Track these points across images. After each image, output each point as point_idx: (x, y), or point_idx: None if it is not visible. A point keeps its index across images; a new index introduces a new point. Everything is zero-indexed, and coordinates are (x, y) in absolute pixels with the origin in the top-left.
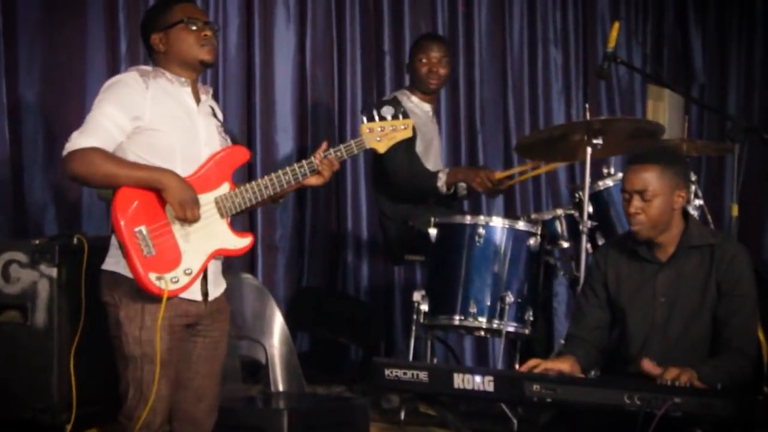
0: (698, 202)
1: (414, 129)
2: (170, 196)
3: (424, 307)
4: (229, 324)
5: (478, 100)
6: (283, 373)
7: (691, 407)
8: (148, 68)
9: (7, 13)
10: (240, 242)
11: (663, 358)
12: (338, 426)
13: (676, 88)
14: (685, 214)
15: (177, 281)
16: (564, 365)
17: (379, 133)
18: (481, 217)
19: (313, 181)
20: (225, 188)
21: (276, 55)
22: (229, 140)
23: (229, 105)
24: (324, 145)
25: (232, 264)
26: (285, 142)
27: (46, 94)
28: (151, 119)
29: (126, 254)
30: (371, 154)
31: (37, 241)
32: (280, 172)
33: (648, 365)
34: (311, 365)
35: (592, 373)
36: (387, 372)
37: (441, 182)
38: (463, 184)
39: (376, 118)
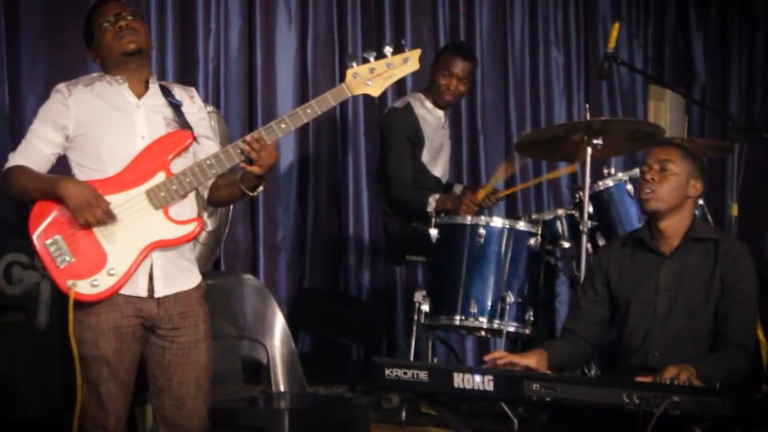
0: (699, 201)
1: (423, 137)
2: (68, 203)
3: (425, 308)
4: (229, 324)
5: (480, 100)
6: (285, 373)
7: (689, 406)
8: (93, 75)
9: (10, 17)
10: (181, 230)
11: (664, 351)
12: (339, 426)
13: (677, 88)
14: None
15: (97, 284)
16: (530, 360)
17: (370, 76)
18: (482, 218)
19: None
20: (160, 177)
21: (277, 56)
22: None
23: (230, 106)
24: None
25: (233, 265)
26: (286, 142)
27: (48, 96)
28: (76, 126)
29: (43, 267)
30: (376, 153)
31: None
32: (229, 146)
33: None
34: (312, 366)
35: (593, 371)
36: (387, 372)
37: (431, 208)
38: (431, 201)
39: (371, 58)
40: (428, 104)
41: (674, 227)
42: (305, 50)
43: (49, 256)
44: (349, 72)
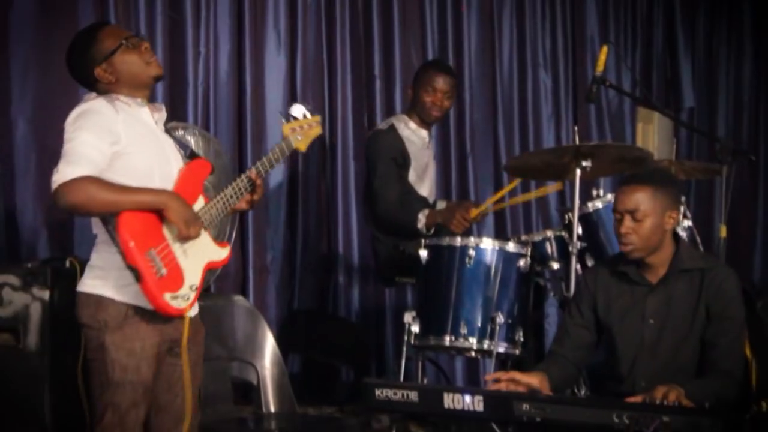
0: (687, 223)
1: (408, 157)
2: (174, 215)
3: (415, 329)
4: (220, 345)
5: (468, 123)
6: (275, 394)
7: (679, 426)
8: (107, 96)
9: (0, 37)
10: (222, 253)
11: (651, 380)
12: None
13: (665, 111)
14: (675, 236)
15: (188, 298)
16: (533, 380)
17: (299, 132)
18: (471, 239)
19: (244, 205)
20: (201, 202)
21: (267, 79)
22: (185, 154)
23: (220, 130)
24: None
25: (223, 286)
26: (276, 166)
27: (38, 119)
28: (126, 142)
29: (141, 278)
30: (364, 175)
31: (29, 264)
32: (237, 179)
33: (630, 400)
34: (302, 386)
35: (582, 392)
36: (377, 392)
37: (421, 224)
38: (421, 218)
39: (291, 118)
40: (412, 125)
41: (659, 259)
42: (294, 74)
43: (149, 267)
44: (287, 127)
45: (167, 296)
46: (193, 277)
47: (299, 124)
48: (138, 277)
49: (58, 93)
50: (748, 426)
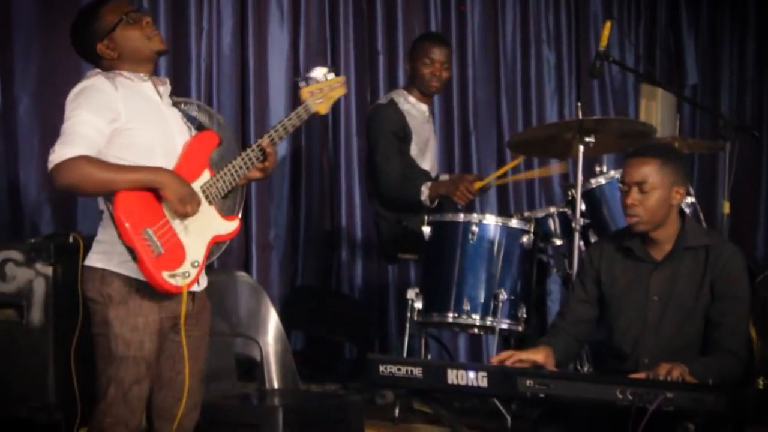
0: (690, 199)
1: (409, 131)
2: (169, 193)
3: (418, 305)
4: (223, 322)
5: (472, 100)
6: (278, 370)
7: (683, 402)
8: (109, 72)
9: (2, 16)
10: (230, 225)
11: (655, 357)
12: (333, 423)
13: (669, 87)
14: (681, 213)
15: (188, 275)
16: (538, 356)
17: (319, 95)
18: (475, 215)
19: (257, 174)
20: (206, 175)
21: (270, 55)
22: (193, 128)
23: (223, 105)
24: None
25: (226, 262)
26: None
27: (41, 95)
28: (126, 119)
29: (138, 258)
30: (366, 152)
31: (32, 240)
32: (248, 150)
33: (634, 376)
34: (306, 363)
35: (586, 368)
36: (381, 368)
37: (424, 196)
38: (424, 191)
39: (312, 81)
40: (411, 99)
41: (664, 234)
42: (297, 49)
43: (146, 246)
44: (305, 90)
45: (165, 274)
46: (195, 253)
47: (319, 87)
48: (135, 256)
49: (61, 70)
50: (751, 402)
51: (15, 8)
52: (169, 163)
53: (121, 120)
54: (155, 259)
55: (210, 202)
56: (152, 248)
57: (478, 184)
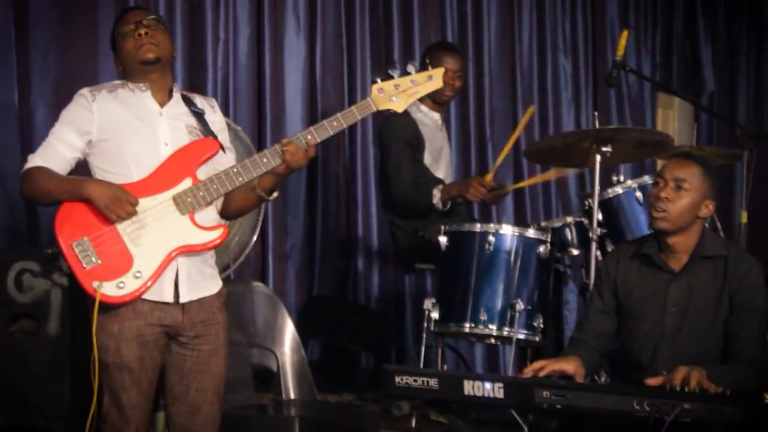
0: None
1: (422, 139)
2: (96, 203)
3: (435, 315)
4: (239, 332)
5: (488, 108)
6: (295, 380)
7: (700, 413)
8: (116, 82)
9: (20, 23)
10: (206, 236)
11: (673, 369)
12: None
13: (686, 95)
14: (702, 228)
15: (123, 286)
16: (569, 366)
17: (394, 92)
18: (491, 225)
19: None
20: (186, 183)
21: (286, 64)
22: (202, 136)
23: (239, 113)
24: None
25: (243, 273)
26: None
27: (57, 104)
28: (100, 131)
29: (68, 267)
30: (379, 161)
31: (49, 251)
32: (255, 155)
33: (651, 381)
34: (322, 373)
35: (603, 379)
36: (397, 379)
37: (436, 199)
38: (436, 194)
39: (395, 75)
40: (424, 108)
41: (683, 243)
42: (314, 58)
43: (75, 257)
44: (374, 87)
45: (95, 284)
46: (142, 263)
47: (395, 83)
48: (66, 267)
49: (78, 78)
50: None
51: (32, 17)
52: (143, 173)
53: (94, 133)
54: (84, 271)
55: (183, 212)
56: (83, 259)
57: (488, 177)
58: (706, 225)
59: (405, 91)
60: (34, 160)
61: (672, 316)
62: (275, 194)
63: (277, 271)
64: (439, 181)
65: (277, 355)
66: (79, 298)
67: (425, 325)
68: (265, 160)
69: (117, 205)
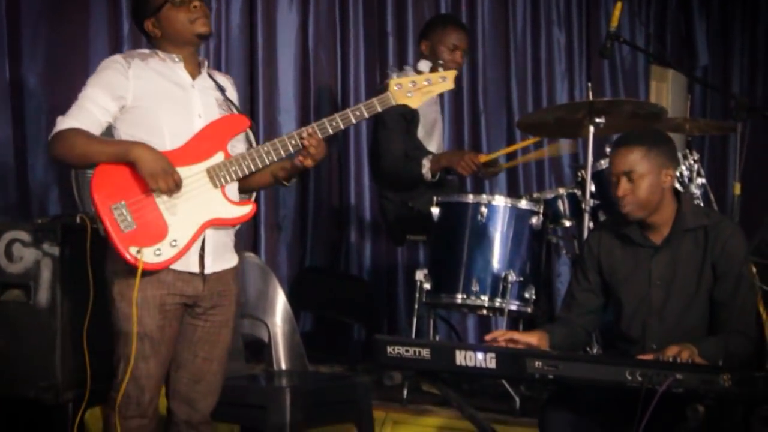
0: (701, 180)
1: (417, 113)
2: (141, 169)
3: (427, 286)
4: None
5: (482, 81)
6: (286, 351)
7: (692, 383)
8: (144, 51)
9: None
10: (237, 211)
11: (662, 342)
12: (341, 404)
13: (679, 67)
14: (677, 193)
15: (160, 254)
16: (532, 338)
17: (411, 88)
18: (484, 196)
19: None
20: (219, 157)
21: (279, 36)
22: (234, 110)
23: None
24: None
25: (235, 244)
26: (288, 123)
27: (48, 76)
28: (135, 96)
29: (105, 230)
30: (372, 133)
31: (40, 221)
32: (284, 137)
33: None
34: (314, 344)
35: (595, 350)
36: (389, 349)
37: (425, 169)
38: (426, 164)
39: (411, 72)
40: None
41: (661, 218)
42: (306, 30)
43: (114, 220)
44: (392, 82)
45: (132, 250)
46: (178, 232)
47: (412, 80)
48: (103, 228)
49: (69, 51)
50: (762, 384)
51: None
52: (178, 143)
53: (129, 98)
54: (122, 234)
55: (216, 185)
56: (120, 223)
57: (483, 158)
58: (698, 193)
59: (420, 89)
60: (68, 122)
61: (657, 290)
62: (294, 180)
63: (269, 242)
64: (416, 161)
65: (268, 326)
66: (69, 269)
67: (417, 296)
68: (293, 142)
69: (163, 176)
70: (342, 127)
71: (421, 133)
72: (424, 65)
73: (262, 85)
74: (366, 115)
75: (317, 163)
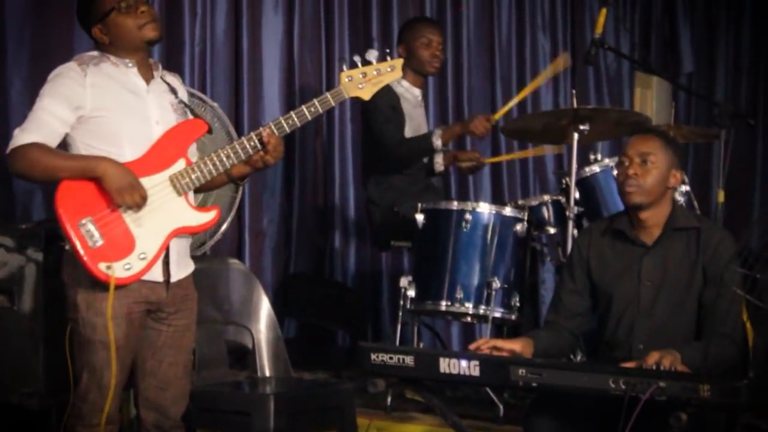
0: (685, 188)
1: (403, 114)
2: (107, 184)
3: (411, 293)
4: (215, 309)
5: (466, 86)
6: (270, 358)
7: (676, 391)
8: (93, 54)
9: None
10: (203, 217)
11: (649, 342)
12: (324, 411)
13: (664, 74)
14: (673, 200)
15: (129, 268)
16: (516, 345)
17: (362, 80)
18: (468, 203)
19: (249, 167)
20: (181, 164)
21: (264, 40)
22: (189, 115)
23: (216, 90)
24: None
25: (219, 249)
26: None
27: (33, 78)
28: (93, 106)
29: (72, 248)
30: (359, 136)
31: (23, 226)
32: (243, 138)
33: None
34: (298, 351)
35: (579, 357)
36: (373, 356)
37: (436, 137)
38: (438, 159)
39: (359, 63)
40: (405, 83)
41: (655, 217)
42: (292, 34)
43: (81, 237)
44: (343, 75)
45: (102, 266)
46: (145, 244)
47: (362, 71)
48: (70, 245)
49: (54, 53)
50: (744, 392)
51: None
52: (137, 152)
53: (87, 108)
54: (90, 250)
55: (179, 193)
56: (89, 239)
57: (497, 115)
58: (682, 201)
59: (370, 80)
60: (28, 137)
61: (647, 290)
62: (244, 181)
63: (254, 248)
64: (426, 135)
65: (252, 333)
66: (53, 274)
67: (401, 303)
68: (252, 143)
69: (129, 191)
70: (299, 124)
71: (408, 134)
72: (372, 55)
73: (247, 89)
74: (321, 110)
75: (276, 162)
